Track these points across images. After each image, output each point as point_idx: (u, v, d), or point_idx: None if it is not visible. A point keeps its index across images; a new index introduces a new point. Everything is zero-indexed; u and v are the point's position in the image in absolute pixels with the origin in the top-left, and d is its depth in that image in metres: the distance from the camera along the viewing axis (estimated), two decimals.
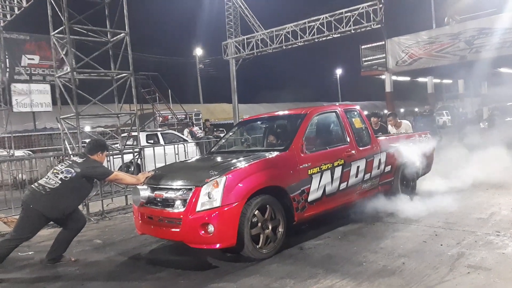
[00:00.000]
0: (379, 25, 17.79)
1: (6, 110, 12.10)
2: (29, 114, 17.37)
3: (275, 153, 4.85)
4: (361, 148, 5.58)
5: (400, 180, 6.11)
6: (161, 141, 12.30)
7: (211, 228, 4.03)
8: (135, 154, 8.37)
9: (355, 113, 5.92)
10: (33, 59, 16.93)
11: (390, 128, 7.65)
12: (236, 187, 4.17)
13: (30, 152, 13.70)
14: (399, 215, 5.37)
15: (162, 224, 4.41)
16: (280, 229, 4.51)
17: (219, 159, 5.15)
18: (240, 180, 4.24)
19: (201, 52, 37.80)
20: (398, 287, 3.39)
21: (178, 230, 4.20)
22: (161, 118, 20.53)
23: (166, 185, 4.52)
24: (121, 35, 8.37)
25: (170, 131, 14.92)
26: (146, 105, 20.17)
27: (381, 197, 5.69)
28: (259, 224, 4.33)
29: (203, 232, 4.06)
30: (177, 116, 21.30)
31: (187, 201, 4.17)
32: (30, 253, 5.29)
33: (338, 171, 5.16)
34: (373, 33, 19.24)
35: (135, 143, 9.63)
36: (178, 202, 4.29)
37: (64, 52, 8.71)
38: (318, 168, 4.92)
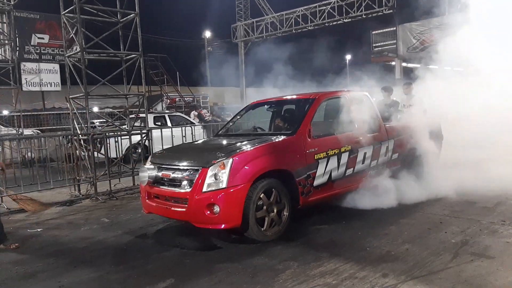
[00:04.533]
0: (391, 10, 17.50)
1: (16, 89, 12.18)
2: (38, 93, 17.47)
3: (282, 137, 4.87)
4: (368, 135, 5.52)
5: (407, 168, 6.09)
6: (169, 123, 12.36)
7: (216, 208, 4.10)
8: (143, 135, 8.43)
9: (364, 99, 5.85)
10: (43, 38, 16.95)
11: (403, 97, 7.39)
12: (243, 169, 4.21)
13: (39, 131, 13.83)
14: (405, 203, 5.36)
15: (168, 203, 4.49)
16: (285, 213, 4.55)
17: (226, 141, 5.18)
18: (247, 163, 4.27)
19: (210, 35, 37.51)
20: (401, 272, 3.42)
21: (184, 210, 4.27)
22: (168, 100, 20.57)
23: (173, 165, 4.58)
24: (131, 15, 8.34)
25: (178, 113, 14.96)
26: (154, 87, 20.19)
27: (388, 184, 5.67)
28: (264, 207, 4.36)
29: (208, 212, 4.13)
30: (185, 98, 21.31)
31: (194, 181, 4.23)
32: (39, 230, 5.40)
33: (344, 157, 5.15)
34: (385, 18, 18.94)
35: (142, 125, 9.69)
36: (184, 182, 4.35)
37: (74, 32, 8.71)
38: (324, 153, 4.93)
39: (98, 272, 3.85)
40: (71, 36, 10.22)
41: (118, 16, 8.45)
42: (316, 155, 4.85)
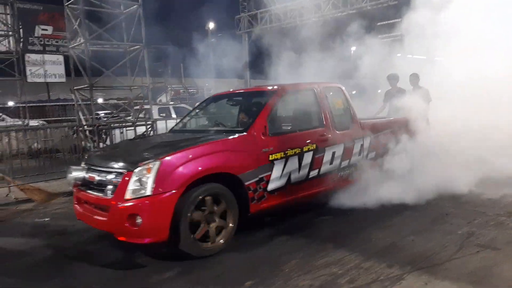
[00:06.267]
0: (396, 2, 17.35)
1: (20, 81, 12.21)
2: (43, 84, 17.52)
3: (231, 135, 4.30)
4: (339, 132, 5.02)
5: (388, 166, 5.40)
6: (173, 115, 12.37)
7: (139, 220, 3.53)
8: (148, 126, 8.45)
9: (337, 92, 5.30)
10: (46, 29, 16.96)
11: (410, 88, 7.27)
12: (173, 174, 3.64)
13: (45, 122, 13.88)
14: (407, 197, 5.10)
15: (93, 211, 3.96)
16: (230, 223, 3.99)
17: (168, 139, 4.79)
18: (179, 166, 3.69)
19: (213, 26, 37.31)
20: (406, 263, 3.43)
21: (105, 219, 3.75)
22: (173, 92, 20.57)
23: (100, 166, 4.06)
24: (134, 7, 8.33)
25: (182, 105, 14.97)
26: (158, 79, 20.17)
27: (363, 184, 5.17)
28: (203, 217, 3.82)
29: (130, 223, 3.55)
30: (189, 90, 21.29)
31: (117, 186, 3.71)
32: (46, 219, 5.45)
33: (308, 157, 4.64)
34: (390, 10, 18.77)
35: (147, 116, 9.70)
36: (109, 187, 3.80)
37: (77, 23, 8.70)
38: (282, 153, 4.39)
39: (105, 261, 3.88)
40: (74, 27, 10.23)
41: (121, 7, 8.44)
42: (271, 156, 4.29)
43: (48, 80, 16.59)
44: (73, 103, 8.99)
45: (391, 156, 5.50)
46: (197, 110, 5.72)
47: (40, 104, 16.04)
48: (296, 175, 4.54)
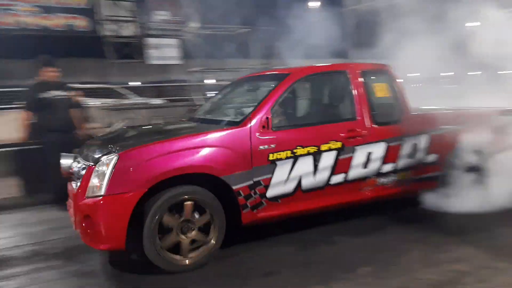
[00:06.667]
0: None
1: (141, 63, 13.43)
2: (160, 66, 19.06)
3: (221, 128, 3.59)
4: (378, 127, 4.02)
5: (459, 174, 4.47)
6: None
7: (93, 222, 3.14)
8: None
9: (382, 76, 4.25)
10: (162, 14, 18.31)
11: None
12: (134, 171, 3.11)
13: (167, 101, 15.12)
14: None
15: (70, 205, 3.58)
16: (212, 239, 3.35)
17: (163, 128, 4.41)
18: (142, 162, 3.14)
19: (317, 5, 36.57)
20: None
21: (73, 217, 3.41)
22: None
23: (82, 156, 3.64)
24: None
25: None
26: (263, 61, 20.58)
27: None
28: (176, 225, 3.23)
29: (86, 225, 3.16)
30: None
31: (81, 182, 3.31)
32: None
33: (328, 158, 3.77)
34: None
35: None
36: (79, 181, 3.39)
37: (190, 8, 9.24)
38: (289, 152, 3.59)
39: None
40: (188, 12, 10.88)
41: None
42: (271, 155, 3.53)
43: (165, 62, 17.97)
44: (189, 84, 9.68)
45: (474, 158, 4.51)
46: (219, 96, 4.92)
47: (159, 84, 17.45)
48: (310, 180, 3.71)
